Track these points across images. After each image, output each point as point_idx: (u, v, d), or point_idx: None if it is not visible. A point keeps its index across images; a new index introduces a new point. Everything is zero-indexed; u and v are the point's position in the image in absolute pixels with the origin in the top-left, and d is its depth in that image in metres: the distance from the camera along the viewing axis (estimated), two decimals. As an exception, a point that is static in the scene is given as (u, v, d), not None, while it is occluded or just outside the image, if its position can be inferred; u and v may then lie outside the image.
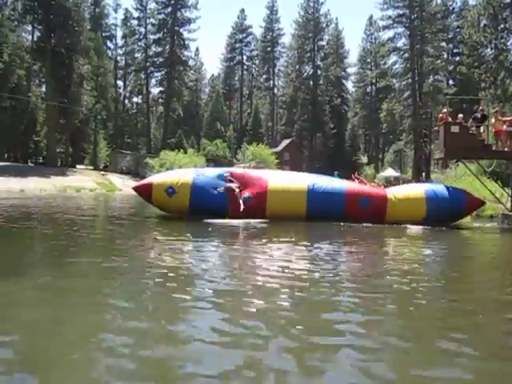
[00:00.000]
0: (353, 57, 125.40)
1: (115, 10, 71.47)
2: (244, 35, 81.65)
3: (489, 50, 44.67)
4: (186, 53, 67.43)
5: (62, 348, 3.62)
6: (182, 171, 16.71)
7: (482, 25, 43.35)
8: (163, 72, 66.20)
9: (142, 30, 67.49)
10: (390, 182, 37.43)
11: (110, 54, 67.97)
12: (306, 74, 71.10)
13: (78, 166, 49.00)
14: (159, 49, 66.67)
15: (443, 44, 56.45)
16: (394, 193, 14.62)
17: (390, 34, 57.26)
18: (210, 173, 15.08)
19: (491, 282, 6.76)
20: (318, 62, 70.84)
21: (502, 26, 41.37)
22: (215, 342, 3.74)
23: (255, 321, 4.30)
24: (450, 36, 57.46)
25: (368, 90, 78.65)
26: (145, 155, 53.72)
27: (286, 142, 66.45)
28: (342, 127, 71.94)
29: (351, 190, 14.35)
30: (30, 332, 3.93)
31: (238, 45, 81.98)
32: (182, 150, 48.29)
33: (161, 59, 66.17)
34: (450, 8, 58.73)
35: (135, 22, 68.42)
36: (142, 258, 7.60)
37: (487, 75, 41.66)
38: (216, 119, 71.13)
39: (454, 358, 3.60)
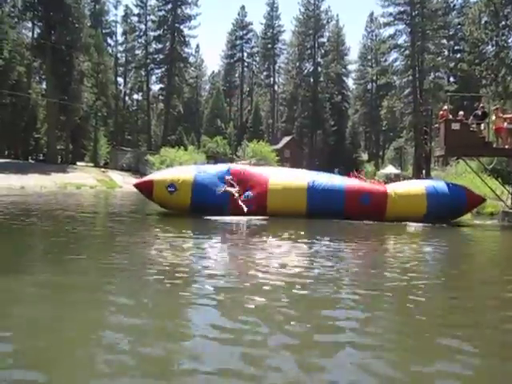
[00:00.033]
0: (353, 54, 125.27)
1: (115, 7, 71.53)
2: (244, 32, 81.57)
3: (490, 47, 44.55)
4: (186, 50, 67.49)
5: (62, 344, 3.62)
6: (183, 168, 16.69)
7: (483, 22, 43.21)
8: (163, 69, 66.17)
9: (143, 26, 67.43)
10: (390, 179, 37.32)
11: (110, 51, 67.88)
12: (306, 71, 71.06)
13: (78, 163, 48.96)
14: (159, 46, 66.63)
15: (444, 41, 56.28)
16: (395, 189, 14.60)
17: (390, 30, 57.46)
18: (212, 170, 15.06)
19: (492, 279, 6.77)
20: (319, 59, 70.80)
21: (503, 22, 41.23)
22: (215, 339, 3.74)
23: (255, 317, 4.30)
24: (450, 33, 57.28)
25: (368, 87, 78.59)
26: (145, 152, 53.68)
27: (286, 139, 66.42)
28: (343, 124, 71.93)
29: (351, 186, 14.35)
30: (29, 328, 3.92)
31: (238, 42, 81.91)
32: (182, 147, 48.30)
33: (161, 56, 66.14)
34: (451, 5, 58.52)
35: (135, 19, 68.41)
36: (142, 254, 7.60)
37: (488, 72, 41.56)
38: (216, 116, 71.12)
39: (453, 356, 3.59)
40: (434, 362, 3.47)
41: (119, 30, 71.26)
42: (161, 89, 68.42)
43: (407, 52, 53.77)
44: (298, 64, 70.22)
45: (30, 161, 48.58)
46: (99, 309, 4.56)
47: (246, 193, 13.96)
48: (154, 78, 68.46)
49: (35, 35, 48.46)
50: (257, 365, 3.31)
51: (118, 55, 71.77)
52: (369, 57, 77.85)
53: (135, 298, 4.89)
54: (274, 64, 79.90)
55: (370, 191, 14.27)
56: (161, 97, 69.44)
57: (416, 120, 50.94)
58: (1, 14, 42.96)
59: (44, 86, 51.50)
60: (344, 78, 77.43)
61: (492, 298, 5.55)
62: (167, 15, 64.82)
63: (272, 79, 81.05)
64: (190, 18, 65.17)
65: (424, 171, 49.84)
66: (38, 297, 4.91)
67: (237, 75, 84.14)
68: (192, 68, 74.43)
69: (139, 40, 68.24)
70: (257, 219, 12.97)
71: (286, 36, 78.73)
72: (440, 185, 14.85)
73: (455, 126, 14.98)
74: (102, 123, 58.67)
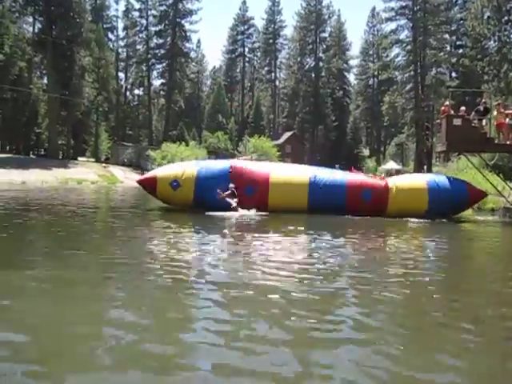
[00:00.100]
0: (355, 49, 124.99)
1: (116, 2, 71.66)
2: (246, 27, 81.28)
3: (492, 42, 44.38)
4: (187, 45, 67.29)
5: (62, 338, 3.62)
6: (185, 164, 16.67)
7: (485, 17, 43.01)
8: (165, 64, 66.01)
9: (144, 21, 67.21)
10: (391, 175, 37.29)
11: (111, 46, 67.78)
12: (307, 66, 70.89)
13: (79, 158, 49.00)
14: (161, 40, 66.44)
15: (446, 36, 56.04)
16: (396, 183, 14.58)
17: (392, 26, 57.00)
18: (214, 166, 15.03)
19: (493, 275, 6.76)
20: (320, 54, 70.62)
21: (506, 18, 41.02)
22: (214, 334, 3.74)
23: (254, 313, 4.30)
24: (453, 28, 57.00)
25: (370, 82, 78.38)
26: (146, 147, 53.64)
27: (287, 134, 66.32)
28: (344, 120, 71.80)
29: (353, 182, 14.33)
30: (30, 323, 3.93)
31: (239, 37, 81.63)
32: (183, 143, 48.25)
33: (162, 51, 65.98)
34: (454, 0, 58.27)
35: (136, 14, 68.23)
36: (143, 249, 7.60)
37: (490, 68, 41.39)
38: (217, 111, 71.02)
39: (454, 351, 3.59)
40: (434, 357, 3.46)
41: (120, 24, 71.19)
42: (162, 84, 68.32)
43: (409, 47, 53.57)
44: (299, 59, 70.04)
45: (31, 156, 48.62)
46: (99, 303, 4.57)
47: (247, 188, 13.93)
48: (155, 73, 68.39)
49: (36, 30, 48.44)
50: (256, 360, 3.31)
51: (119, 50, 71.65)
52: (370, 52, 77.59)
53: (135, 293, 4.89)
54: (275, 59, 79.66)
55: (371, 187, 14.26)
56: (162, 92, 69.29)
57: (417, 115, 50.83)
58: (2, 9, 42.87)
59: (45, 80, 51.51)
60: (345, 74, 77.20)
61: (494, 294, 5.54)
62: (168, 10, 64.60)
63: (273, 74, 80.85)
64: (191, 12, 64.99)
65: (425, 167, 49.75)
66: (39, 291, 4.91)
67: (238, 70, 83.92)
68: (193, 63, 74.25)
69: (140, 35, 68.09)
70: (257, 214, 12.96)
71: (288, 31, 78.76)
72: (441, 179, 14.81)
73: (457, 122, 14.93)
74: (103, 118, 58.65)
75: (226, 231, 10.22)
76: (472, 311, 4.74)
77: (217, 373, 3.10)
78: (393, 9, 54.65)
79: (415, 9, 52.49)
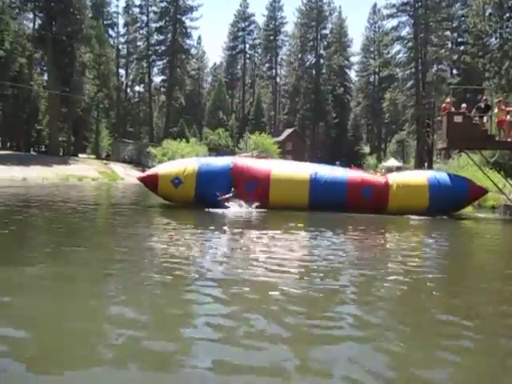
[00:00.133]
0: (356, 46, 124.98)
1: (117, -2, 71.14)
2: (246, 24, 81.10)
3: (493, 39, 44.22)
4: (188, 41, 67.04)
5: (62, 335, 3.63)
6: (186, 161, 16.65)
7: (487, 14, 42.87)
8: (165, 60, 65.87)
9: (144, 18, 67.05)
10: (392, 172, 37.27)
11: (111, 43, 67.71)
12: (308, 62, 70.72)
13: (80, 155, 48.96)
14: (161, 37, 66.29)
15: (447, 33, 55.84)
16: (396, 179, 14.57)
17: (393, 22, 57.05)
18: (215, 162, 15.03)
19: (493, 272, 6.76)
20: (321, 51, 70.45)
21: (508, 14, 40.83)
22: (214, 331, 3.75)
23: (253, 310, 4.30)
24: (454, 25, 56.82)
25: (371, 79, 78.22)
26: (147, 144, 53.59)
27: (288, 131, 66.23)
28: (345, 117, 71.69)
29: (353, 179, 14.32)
30: (30, 319, 3.93)
31: (240, 33, 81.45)
32: (184, 139, 48.19)
33: (163, 48, 65.84)
34: (455, -4, 58.05)
35: (137, 10, 68.05)
36: (143, 246, 7.61)
37: (491, 65, 41.25)
38: (218, 108, 70.92)
39: (453, 348, 3.59)
40: (434, 353, 3.47)
41: (121, 21, 71.12)
42: (162, 80, 68.16)
43: (410, 44, 53.41)
44: (300, 56, 69.89)
45: (32, 152, 48.58)
46: (99, 300, 4.58)
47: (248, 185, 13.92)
48: (155, 69, 68.24)
49: (36, 26, 48.28)
50: (256, 357, 3.31)
51: (120, 47, 71.57)
52: (371, 49, 77.40)
53: (135, 290, 4.89)
54: (276, 56, 79.50)
55: (372, 184, 14.25)
56: (162, 89, 69.14)
57: (418, 113, 50.73)
58: (2, 5, 42.75)
59: (45, 77, 51.36)
60: (346, 70, 77.01)
61: (493, 292, 5.54)
62: (169, 6, 64.43)
63: (274, 71, 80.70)
64: (191, 9, 64.84)
65: (426, 164, 49.69)
66: (39, 287, 4.92)
67: (239, 67, 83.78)
68: (194, 60, 74.06)
69: (141, 31, 67.94)
70: (257, 211, 12.96)
71: (289, 28, 78.47)
72: (442, 176, 14.81)
73: (458, 119, 14.91)
74: (103, 115, 58.58)
75: (226, 228, 10.23)
76: (472, 308, 4.74)
77: (216, 369, 3.10)
78: (394, 5, 54.44)
79: (416, 5, 52.29)
